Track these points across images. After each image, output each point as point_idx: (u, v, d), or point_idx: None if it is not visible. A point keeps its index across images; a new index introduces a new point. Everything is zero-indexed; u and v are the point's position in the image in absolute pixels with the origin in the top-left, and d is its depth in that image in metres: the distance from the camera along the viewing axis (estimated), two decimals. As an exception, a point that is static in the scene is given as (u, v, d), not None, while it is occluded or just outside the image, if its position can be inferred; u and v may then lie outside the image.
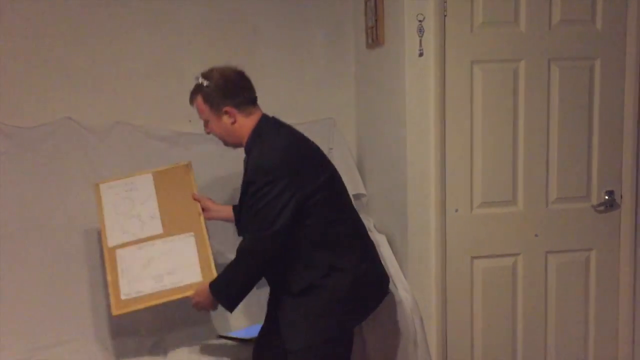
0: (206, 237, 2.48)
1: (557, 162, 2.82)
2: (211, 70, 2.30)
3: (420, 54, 2.71)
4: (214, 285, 2.27)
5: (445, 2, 2.67)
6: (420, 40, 2.70)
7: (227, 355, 2.57)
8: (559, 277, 2.89)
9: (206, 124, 2.33)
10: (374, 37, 3.07)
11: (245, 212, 2.26)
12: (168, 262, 2.43)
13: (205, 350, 2.59)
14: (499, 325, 2.88)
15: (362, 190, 3.20)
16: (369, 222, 2.98)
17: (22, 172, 3.02)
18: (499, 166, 2.79)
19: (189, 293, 2.35)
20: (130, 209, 2.56)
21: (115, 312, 2.36)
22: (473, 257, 2.83)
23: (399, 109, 2.83)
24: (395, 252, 2.98)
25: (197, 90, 2.29)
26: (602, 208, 2.87)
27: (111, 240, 2.50)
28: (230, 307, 2.28)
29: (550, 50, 2.75)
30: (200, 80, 2.28)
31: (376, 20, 3.02)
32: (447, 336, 2.86)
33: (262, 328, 2.45)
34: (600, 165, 2.84)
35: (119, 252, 2.46)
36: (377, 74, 3.13)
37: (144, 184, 2.61)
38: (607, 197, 2.85)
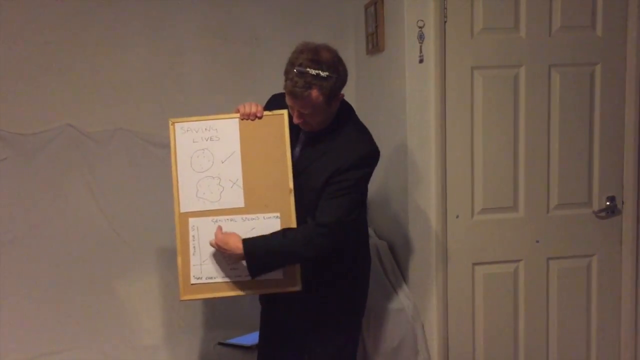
0: (294, 220, 2.11)
1: (558, 168, 2.81)
2: (318, 55, 2.01)
3: (421, 60, 2.71)
4: (249, 248, 2.04)
5: (446, 8, 2.67)
6: (421, 47, 2.70)
7: (227, 362, 2.56)
8: (560, 284, 2.88)
9: (308, 115, 2.05)
10: (374, 43, 3.07)
11: (327, 194, 2.08)
12: None
13: (205, 357, 2.59)
14: (500, 331, 2.87)
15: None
16: (369, 228, 2.97)
17: (22, 179, 3.03)
18: (500, 172, 2.79)
19: (266, 291, 2.14)
20: (208, 166, 2.14)
21: (182, 297, 2.12)
22: (474, 264, 2.82)
23: (399, 115, 2.82)
24: (396, 259, 2.98)
25: (316, 82, 1.99)
26: (603, 214, 2.86)
27: (184, 204, 2.13)
28: (255, 274, 2.08)
29: (550, 56, 2.75)
30: (313, 70, 1.98)
31: (376, 27, 3.03)
32: (449, 343, 2.85)
33: (263, 334, 2.42)
34: (601, 171, 2.84)
35: (192, 222, 2.13)
36: (377, 80, 3.13)
37: (228, 132, 2.15)
38: (608, 203, 2.84)
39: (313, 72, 1.98)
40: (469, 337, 2.86)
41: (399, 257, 2.97)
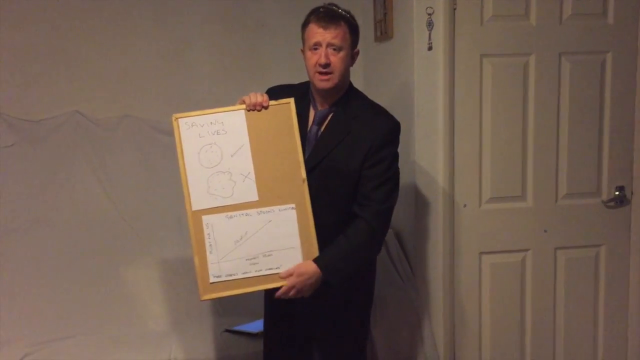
0: (309, 209, 2.08)
1: (567, 157, 2.79)
2: (337, 5, 2.15)
3: (429, 48, 2.69)
4: (325, 264, 2.05)
5: (455, -5, 2.65)
6: (430, 34, 2.68)
7: (234, 349, 2.56)
8: (568, 273, 2.87)
9: (336, 51, 2.05)
10: (383, 30, 3.05)
11: (368, 179, 2.08)
12: (264, 240, 2.08)
13: (212, 344, 2.59)
14: (507, 321, 2.87)
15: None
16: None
17: (30, 165, 3.04)
18: (508, 161, 2.77)
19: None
20: (218, 161, 2.08)
21: (203, 296, 2.08)
22: (481, 253, 2.82)
23: (407, 103, 2.81)
24: (403, 247, 2.97)
25: (345, 18, 2.09)
26: (612, 204, 2.84)
27: (196, 202, 2.07)
28: (341, 285, 2.10)
29: (561, 44, 2.72)
30: (339, 9, 2.11)
31: (385, 14, 3.00)
32: (455, 332, 2.85)
33: (269, 321, 2.41)
34: (610, 161, 2.81)
35: (206, 219, 2.07)
36: (385, 68, 3.11)
37: (235, 124, 2.09)
38: (617, 193, 2.82)
39: (339, 9, 2.11)
40: (476, 327, 2.86)
41: (406, 246, 2.96)
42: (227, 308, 2.77)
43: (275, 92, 2.20)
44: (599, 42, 2.75)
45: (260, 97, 2.10)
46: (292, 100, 2.12)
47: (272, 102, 2.12)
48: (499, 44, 2.70)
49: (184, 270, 2.84)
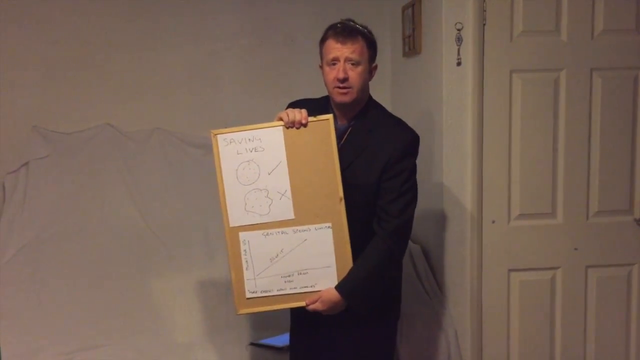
0: (346, 229, 2.07)
1: (598, 174, 2.75)
2: (353, 20, 2.14)
3: (458, 63, 2.68)
4: (347, 291, 2.08)
5: (485, 10, 2.64)
6: (459, 49, 2.68)
7: (259, 363, 2.57)
8: (599, 293, 2.82)
9: (354, 66, 2.06)
10: (411, 45, 3.05)
11: (387, 191, 2.08)
12: (299, 258, 2.09)
13: (237, 357, 2.60)
14: (536, 340, 2.82)
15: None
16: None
17: (62, 177, 3.10)
18: (538, 177, 2.74)
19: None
20: (255, 178, 2.08)
21: (239, 310, 2.12)
22: (510, 270, 2.78)
23: (435, 119, 2.80)
24: (430, 264, 2.95)
25: (362, 33, 2.09)
26: (645, 222, 2.79)
27: (233, 218, 2.09)
28: (365, 308, 2.13)
29: (592, 60, 2.70)
30: (356, 24, 2.10)
31: (413, 29, 3.01)
32: (483, 351, 2.81)
33: (295, 335, 2.41)
34: (643, 178, 2.77)
35: (243, 236, 2.09)
36: (413, 83, 3.11)
37: (272, 142, 2.07)
38: (650, 211, 2.78)
39: (356, 25, 2.10)
40: (504, 346, 2.81)
41: (433, 262, 2.94)
42: (252, 321, 2.77)
43: (297, 106, 2.18)
44: (631, 58, 2.72)
45: (299, 115, 2.07)
46: (331, 116, 2.09)
47: (311, 119, 2.08)
48: (529, 59, 2.68)
49: (210, 282, 2.86)
